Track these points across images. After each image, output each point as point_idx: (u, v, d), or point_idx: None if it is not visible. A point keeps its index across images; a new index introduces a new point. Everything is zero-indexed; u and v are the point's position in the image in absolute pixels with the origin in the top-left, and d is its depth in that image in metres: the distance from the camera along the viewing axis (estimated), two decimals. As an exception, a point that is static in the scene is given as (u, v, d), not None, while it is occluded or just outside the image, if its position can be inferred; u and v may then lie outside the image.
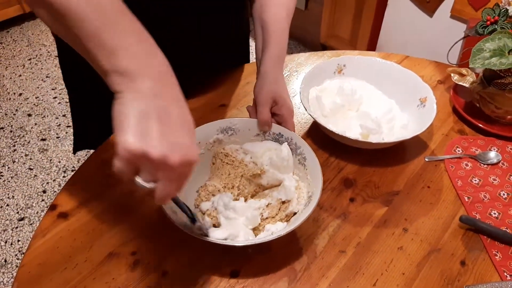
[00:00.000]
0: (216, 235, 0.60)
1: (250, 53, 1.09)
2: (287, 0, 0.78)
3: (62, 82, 2.50)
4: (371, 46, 2.11)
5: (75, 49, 0.45)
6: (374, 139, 0.77)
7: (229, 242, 0.60)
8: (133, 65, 0.41)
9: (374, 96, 0.88)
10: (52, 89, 2.29)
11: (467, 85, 0.90)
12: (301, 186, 0.68)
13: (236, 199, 0.67)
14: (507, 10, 0.83)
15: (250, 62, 1.04)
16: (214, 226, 0.65)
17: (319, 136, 0.82)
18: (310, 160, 0.68)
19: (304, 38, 2.52)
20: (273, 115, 0.72)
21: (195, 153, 0.43)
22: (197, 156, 0.44)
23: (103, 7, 0.41)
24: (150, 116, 0.40)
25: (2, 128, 2.05)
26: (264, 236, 0.62)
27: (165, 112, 0.41)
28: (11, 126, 2.06)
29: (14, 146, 1.96)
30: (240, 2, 0.90)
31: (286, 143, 0.70)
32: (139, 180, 0.43)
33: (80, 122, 0.98)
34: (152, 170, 0.42)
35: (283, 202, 0.66)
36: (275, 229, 0.63)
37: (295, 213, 0.65)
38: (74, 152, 0.99)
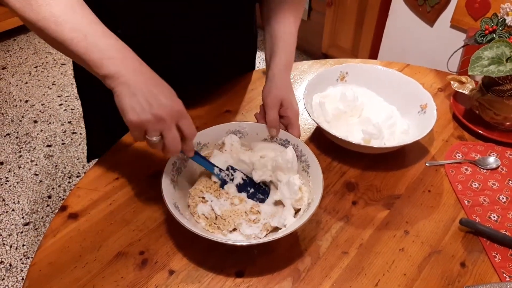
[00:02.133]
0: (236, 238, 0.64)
1: (257, 63, 1.11)
2: (294, 7, 0.80)
3: (68, 89, 2.52)
4: (372, 55, 2.14)
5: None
6: (375, 144, 0.79)
7: (232, 242, 0.62)
8: (114, 69, 0.57)
9: (375, 102, 0.90)
10: (58, 96, 2.32)
11: (466, 92, 0.92)
12: (303, 190, 0.69)
13: (232, 203, 0.69)
14: (504, 20, 0.85)
15: (256, 69, 1.06)
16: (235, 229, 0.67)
17: (322, 141, 0.84)
18: (313, 168, 0.69)
19: (306, 48, 2.55)
20: (280, 117, 0.74)
21: (177, 103, 0.59)
22: (180, 105, 0.60)
23: (85, 32, 0.57)
24: (136, 95, 0.57)
25: (9, 134, 2.08)
26: (269, 236, 0.64)
27: (144, 89, 0.57)
28: (17, 132, 2.09)
29: (20, 152, 1.98)
30: (248, 18, 0.92)
31: (291, 146, 0.72)
32: (149, 137, 0.59)
33: (93, 131, 1.01)
34: (153, 128, 0.58)
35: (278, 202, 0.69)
36: (288, 222, 0.65)
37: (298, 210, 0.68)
38: (88, 160, 1.04)
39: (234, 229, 0.67)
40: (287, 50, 0.78)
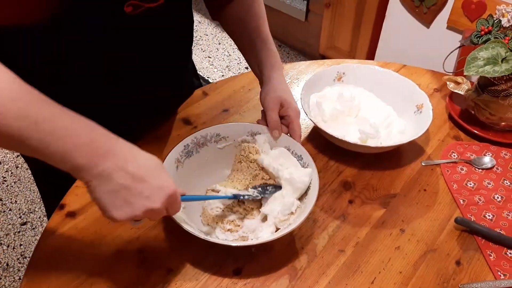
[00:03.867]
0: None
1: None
2: (258, 9, 0.81)
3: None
4: (370, 56, 2.14)
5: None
6: (372, 143, 0.80)
7: (229, 243, 0.62)
8: (84, 161, 0.48)
9: (372, 102, 0.90)
10: (55, 96, 2.32)
11: (462, 92, 0.93)
12: (295, 214, 0.67)
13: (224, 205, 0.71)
14: (500, 21, 0.86)
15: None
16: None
17: (320, 141, 0.85)
18: (309, 198, 0.66)
19: (304, 49, 2.56)
20: (280, 118, 0.75)
21: (167, 186, 0.52)
22: (172, 187, 0.53)
23: (35, 120, 0.45)
24: (116, 190, 0.50)
25: (6, 134, 2.07)
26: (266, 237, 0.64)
27: (124, 179, 0.50)
28: (15, 132, 2.09)
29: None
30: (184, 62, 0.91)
31: (311, 169, 0.69)
32: (132, 222, 0.56)
33: (50, 197, 0.91)
34: (142, 218, 0.53)
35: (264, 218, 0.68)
36: (262, 236, 0.65)
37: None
38: (49, 217, 0.87)
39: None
40: (274, 53, 0.80)
